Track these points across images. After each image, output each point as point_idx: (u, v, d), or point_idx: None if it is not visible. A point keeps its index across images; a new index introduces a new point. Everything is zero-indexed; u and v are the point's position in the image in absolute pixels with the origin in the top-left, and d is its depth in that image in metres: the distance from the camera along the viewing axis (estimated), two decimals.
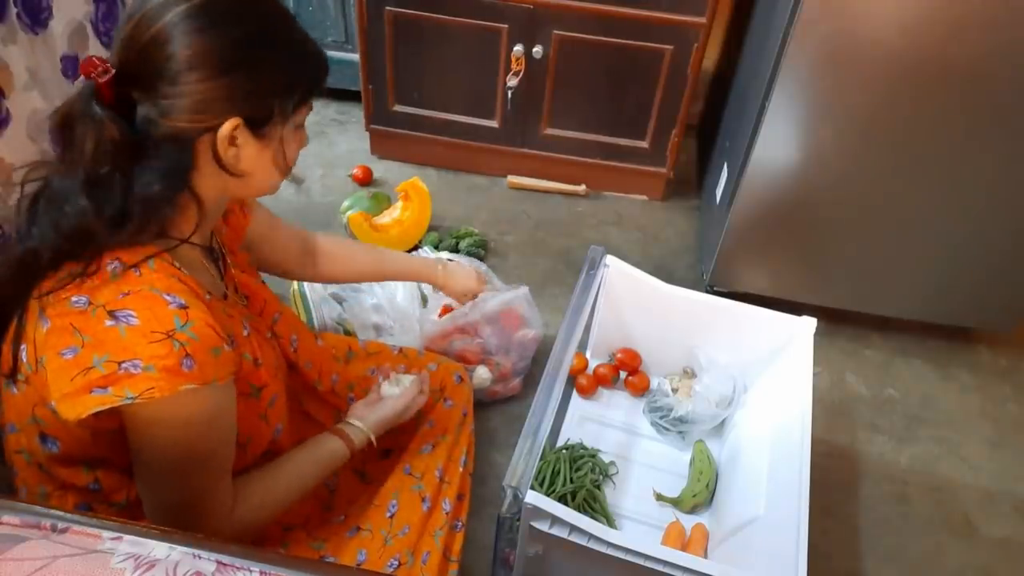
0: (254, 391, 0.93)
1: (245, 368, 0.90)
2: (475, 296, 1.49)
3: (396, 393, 1.13)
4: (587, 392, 1.63)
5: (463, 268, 1.47)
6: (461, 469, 1.25)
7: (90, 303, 0.76)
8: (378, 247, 1.51)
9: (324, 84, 0.88)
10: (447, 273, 1.44)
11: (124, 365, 0.74)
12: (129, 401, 0.74)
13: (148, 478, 0.84)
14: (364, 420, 1.09)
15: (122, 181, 0.77)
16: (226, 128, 0.79)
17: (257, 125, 0.81)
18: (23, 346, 0.80)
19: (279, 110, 0.82)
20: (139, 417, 0.77)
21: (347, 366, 1.30)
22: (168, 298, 0.77)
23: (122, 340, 0.74)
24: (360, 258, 1.38)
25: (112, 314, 0.75)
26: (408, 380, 1.15)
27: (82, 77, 0.76)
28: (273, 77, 0.81)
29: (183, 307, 0.77)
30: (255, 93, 0.80)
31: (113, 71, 0.75)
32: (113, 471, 0.87)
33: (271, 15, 0.82)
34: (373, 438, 1.08)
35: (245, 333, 0.92)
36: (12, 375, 0.82)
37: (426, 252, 1.89)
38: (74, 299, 0.76)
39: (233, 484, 0.90)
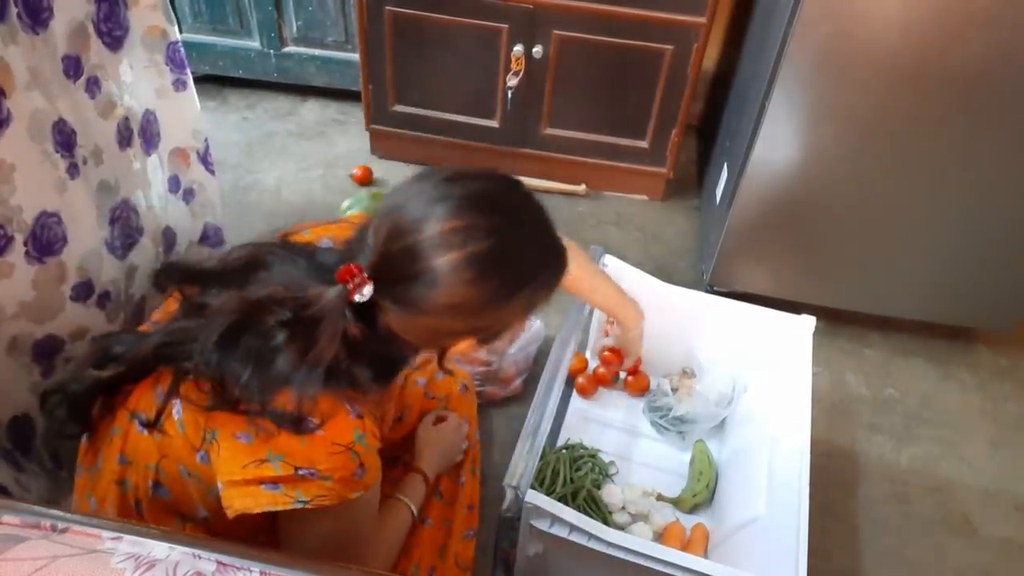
0: None
1: None
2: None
3: None
4: (587, 392, 1.63)
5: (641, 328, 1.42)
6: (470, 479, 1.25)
7: None
8: (598, 271, 1.37)
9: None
10: (638, 329, 1.40)
11: (301, 471, 0.74)
12: (300, 505, 0.75)
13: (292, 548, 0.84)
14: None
15: (346, 370, 0.77)
16: (458, 347, 0.82)
17: (486, 341, 0.84)
18: (176, 402, 0.79)
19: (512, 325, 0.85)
20: (300, 514, 0.77)
21: None
22: (349, 407, 0.77)
23: (302, 448, 0.74)
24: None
25: None
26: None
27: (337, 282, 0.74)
28: (518, 310, 0.82)
29: (360, 417, 0.78)
30: (499, 325, 0.82)
31: (370, 286, 0.75)
32: (201, 525, 0.85)
33: (529, 248, 0.80)
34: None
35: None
36: (152, 424, 0.81)
37: None
38: None
39: None
